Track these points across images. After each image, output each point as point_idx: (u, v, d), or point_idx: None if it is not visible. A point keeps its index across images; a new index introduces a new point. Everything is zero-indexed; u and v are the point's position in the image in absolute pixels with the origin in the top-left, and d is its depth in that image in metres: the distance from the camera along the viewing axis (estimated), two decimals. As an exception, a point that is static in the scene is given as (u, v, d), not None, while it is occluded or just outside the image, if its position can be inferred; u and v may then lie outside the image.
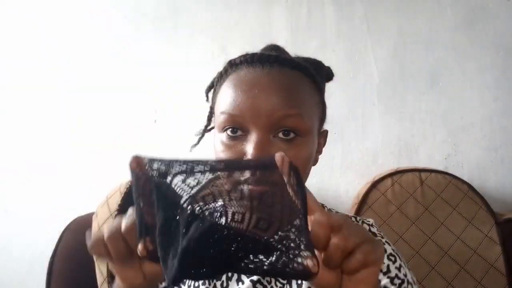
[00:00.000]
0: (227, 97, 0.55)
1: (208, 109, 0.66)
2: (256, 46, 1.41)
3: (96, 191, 1.37)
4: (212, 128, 0.63)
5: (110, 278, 0.95)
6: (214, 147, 0.57)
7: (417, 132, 1.27)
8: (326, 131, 0.67)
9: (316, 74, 0.60)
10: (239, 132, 0.54)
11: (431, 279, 1.07)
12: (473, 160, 1.26)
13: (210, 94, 0.66)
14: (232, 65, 0.58)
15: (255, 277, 0.59)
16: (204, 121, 0.68)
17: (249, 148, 0.51)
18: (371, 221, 0.68)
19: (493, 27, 1.26)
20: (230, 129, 0.54)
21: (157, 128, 1.35)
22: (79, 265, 0.99)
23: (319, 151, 0.65)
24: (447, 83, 1.28)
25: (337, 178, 1.28)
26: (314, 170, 1.16)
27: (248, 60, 0.56)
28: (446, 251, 1.07)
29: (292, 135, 0.53)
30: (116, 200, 1.02)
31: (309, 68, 0.58)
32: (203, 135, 0.67)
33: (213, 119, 0.62)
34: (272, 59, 0.55)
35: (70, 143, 1.39)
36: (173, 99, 1.33)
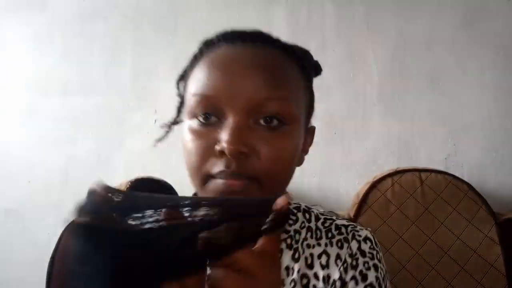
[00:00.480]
0: (200, 78, 0.46)
1: (178, 100, 0.57)
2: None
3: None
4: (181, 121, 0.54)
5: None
6: (183, 138, 0.48)
7: (417, 132, 1.27)
8: (314, 128, 0.58)
9: (304, 59, 0.54)
10: (213, 118, 0.45)
11: (431, 279, 1.07)
12: (473, 160, 1.26)
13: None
14: (208, 45, 0.49)
15: None
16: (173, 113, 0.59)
17: (224, 135, 0.43)
18: (363, 234, 0.57)
19: (493, 27, 1.26)
20: (203, 115, 0.45)
21: (157, 128, 1.35)
22: (79, 265, 0.99)
23: (305, 151, 0.56)
24: (447, 83, 1.28)
25: (337, 178, 1.28)
26: (314, 170, 1.17)
27: (227, 37, 0.48)
28: (446, 251, 1.07)
29: (275, 122, 0.45)
30: (116, 200, 1.02)
31: (296, 50, 0.52)
32: (170, 128, 0.58)
33: (183, 110, 0.53)
34: (255, 36, 0.48)
35: (70, 143, 1.39)
36: (173, 99, 1.33)
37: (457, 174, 1.13)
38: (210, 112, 0.45)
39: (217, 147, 0.43)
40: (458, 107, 1.27)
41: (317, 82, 0.61)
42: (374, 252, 0.57)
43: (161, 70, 1.37)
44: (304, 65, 0.52)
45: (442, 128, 1.27)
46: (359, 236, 0.57)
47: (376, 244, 0.58)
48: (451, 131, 1.27)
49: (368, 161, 1.29)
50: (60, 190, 1.38)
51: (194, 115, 0.46)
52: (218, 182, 0.44)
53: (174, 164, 1.36)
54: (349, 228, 0.58)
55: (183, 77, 0.53)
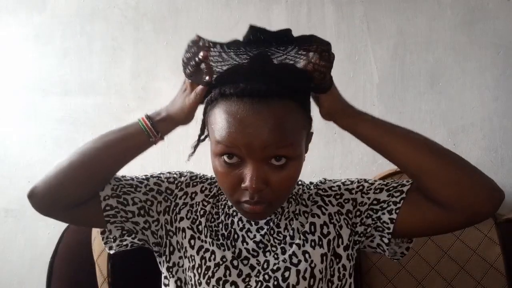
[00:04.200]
0: (221, 127, 0.58)
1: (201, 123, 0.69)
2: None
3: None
4: (206, 136, 0.69)
5: (111, 277, 0.95)
6: (213, 164, 0.63)
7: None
8: (311, 133, 0.70)
9: (303, 90, 0.63)
10: (235, 158, 0.59)
11: (431, 279, 1.07)
12: (473, 160, 1.25)
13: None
14: (222, 95, 0.59)
15: (257, 238, 0.70)
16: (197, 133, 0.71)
17: (247, 177, 0.58)
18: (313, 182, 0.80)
19: (493, 27, 1.26)
20: (227, 156, 0.59)
21: (157, 128, 1.35)
22: (79, 265, 0.99)
23: (306, 151, 0.69)
24: (447, 83, 1.28)
25: (337, 178, 1.28)
26: (314, 170, 1.17)
27: (238, 93, 0.58)
28: (446, 251, 1.07)
29: (283, 160, 0.59)
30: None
31: (298, 93, 0.61)
32: (197, 145, 0.72)
33: (206, 129, 0.67)
34: (261, 93, 0.57)
35: (70, 143, 1.39)
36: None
37: (457, 174, 1.13)
38: (233, 155, 0.59)
39: (243, 185, 0.59)
40: (458, 107, 1.27)
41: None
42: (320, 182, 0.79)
43: (161, 70, 1.37)
44: (304, 101, 0.63)
45: (442, 128, 1.27)
46: (311, 183, 0.80)
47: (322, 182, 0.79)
48: (451, 131, 1.27)
49: (368, 161, 1.29)
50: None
51: (220, 155, 0.60)
52: (246, 207, 0.61)
53: (174, 164, 1.36)
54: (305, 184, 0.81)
55: (205, 109, 0.66)
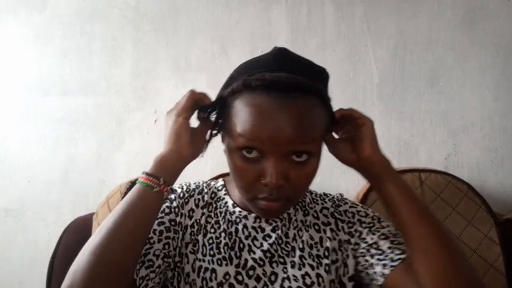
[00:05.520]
0: (244, 120, 0.56)
1: (215, 112, 0.65)
2: (256, 46, 1.41)
3: (96, 191, 1.37)
4: (219, 131, 0.66)
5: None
6: (230, 159, 0.60)
7: (417, 132, 1.27)
8: (330, 130, 0.68)
9: (324, 89, 0.62)
10: (254, 153, 0.57)
11: (431, 279, 1.06)
12: (473, 160, 1.26)
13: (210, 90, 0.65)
14: (247, 86, 0.57)
15: (265, 246, 0.67)
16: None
17: (268, 173, 0.56)
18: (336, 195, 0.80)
19: (493, 27, 1.26)
20: (246, 150, 0.57)
21: (157, 128, 1.35)
22: (79, 265, 0.98)
23: None
24: (447, 83, 1.28)
25: (337, 178, 1.28)
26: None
27: (264, 86, 0.55)
28: (446, 251, 1.07)
29: (304, 156, 0.57)
30: (117, 200, 1.03)
31: (321, 90, 0.59)
32: (210, 140, 0.68)
33: (221, 122, 0.64)
34: (289, 86, 0.55)
35: (70, 143, 1.39)
36: (173, 99, 1.33)
37: (457, 174, 1.13)
38: (253, 149, 0.57)
39: (263, 181, 0.57)
40: (458, 107, 1.27)
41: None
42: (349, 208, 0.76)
43: (161, 70, 1.37)
44: (326, 99, 0.61)
45: (442, 128, 1.27)
46: (330, 195, 0.81)
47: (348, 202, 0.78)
48: (451, 131, 1.27)
49: (368, 161, 1.29)
50: (60, 190, 1.38)
51: (240, 148, 0.57)
52: (262, 203, 0.59)
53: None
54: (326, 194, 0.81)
55: (223, 97, 0.61)
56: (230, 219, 0.70)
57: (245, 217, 0.70)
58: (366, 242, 0.68)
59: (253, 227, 0.69)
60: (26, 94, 1.42)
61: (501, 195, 1.23)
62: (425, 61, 1.29)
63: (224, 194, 0.74)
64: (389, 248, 0.65)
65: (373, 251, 0.66)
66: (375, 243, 0.67)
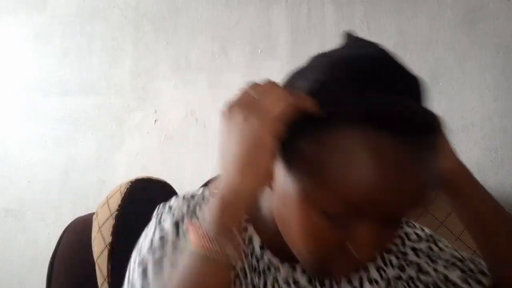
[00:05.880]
0: (362, 175, 0.34)
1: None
2: (256, 46, 1.40)
3: (96, 191, 1.37)
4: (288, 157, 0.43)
5: (111, 277, 0.95)
6: (298, 213, 0.38)
7: (417, 132, 1.27)
8: None
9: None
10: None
11: (431, 279, 1.07)
12: (473, 160, 1.26)
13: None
14: (374, 119, 0.34)
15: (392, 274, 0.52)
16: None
17: (358, 242, 0.37)
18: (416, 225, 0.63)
19: (493, 27, 1.26)
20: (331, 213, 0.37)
21: (157, 128, 1.35)
22: (79, 265, 0.99)
23: None
24: (447, 83, 1.28)
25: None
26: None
27: (398, 128, 0.34)
28: (446, 251, 1.07)
29: (399, 220, 0.41)
30: (117, 200, 1.02)
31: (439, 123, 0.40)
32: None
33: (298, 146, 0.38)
34: (426, 127, 0.37)
35: (70, 143, 1.39)
36: (173, 99, 1.34)
37: (457, 174, 1.13)
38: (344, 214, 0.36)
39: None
40: (458, 107, 1.27)
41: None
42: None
43: (161, 70, 1.37)
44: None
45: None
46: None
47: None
48: (451, 131, 1.27)
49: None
50: (60, 190, 1.38)
51: (319, 208, 0.37)
52: (336, 272, 0.42)
53: (174, 164, 1.36)
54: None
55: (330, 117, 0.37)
56: (256, 267, 0.48)
57: (277, 268, 0.48)
58: (430, 276, 0.57)
59: (286, 282, 0.48)
60: (26, 94, 1.42)
61: (501, 195, 1.23)
62: (425, 61, 1.29)
63: (247, 224, 0.49)
64: (464, 281, 0.55)
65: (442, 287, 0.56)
66: (444, 275, 0.56)
